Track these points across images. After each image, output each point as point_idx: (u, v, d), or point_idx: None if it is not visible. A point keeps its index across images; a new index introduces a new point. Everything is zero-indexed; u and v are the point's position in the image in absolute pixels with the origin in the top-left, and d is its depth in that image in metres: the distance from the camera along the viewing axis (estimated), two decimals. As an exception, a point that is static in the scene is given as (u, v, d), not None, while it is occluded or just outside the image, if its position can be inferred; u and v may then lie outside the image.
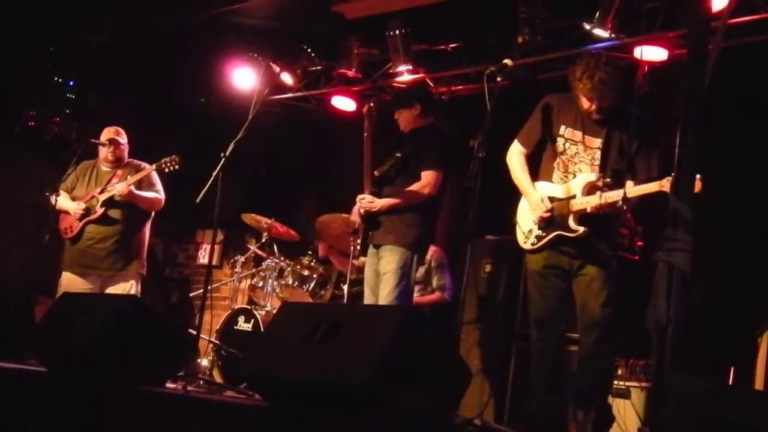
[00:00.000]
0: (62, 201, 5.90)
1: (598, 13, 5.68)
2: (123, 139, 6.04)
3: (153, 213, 6.04)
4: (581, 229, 4.26)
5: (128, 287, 5.79)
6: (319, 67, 7.43)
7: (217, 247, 7.72)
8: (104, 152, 6.02)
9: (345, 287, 6.14)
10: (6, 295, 6.11)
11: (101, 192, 5.86)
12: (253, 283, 6.95)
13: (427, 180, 4.94)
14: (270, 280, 6.65)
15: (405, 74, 6.81)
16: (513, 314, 5.60)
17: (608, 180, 4.24)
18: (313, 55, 7.28)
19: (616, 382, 4.97)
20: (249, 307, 6.59)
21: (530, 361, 4.50)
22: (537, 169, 4.53)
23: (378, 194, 5.02)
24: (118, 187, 5.77)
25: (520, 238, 4.51)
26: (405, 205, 4.94)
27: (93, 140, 6.03)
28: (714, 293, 4.78)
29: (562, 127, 4.41)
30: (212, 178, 4.63)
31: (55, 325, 3.95)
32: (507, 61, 4.23)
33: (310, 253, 6.74)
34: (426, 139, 5.08)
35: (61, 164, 6.24)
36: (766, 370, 4.42)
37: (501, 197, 4.68)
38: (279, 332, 3.24)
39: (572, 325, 4.67)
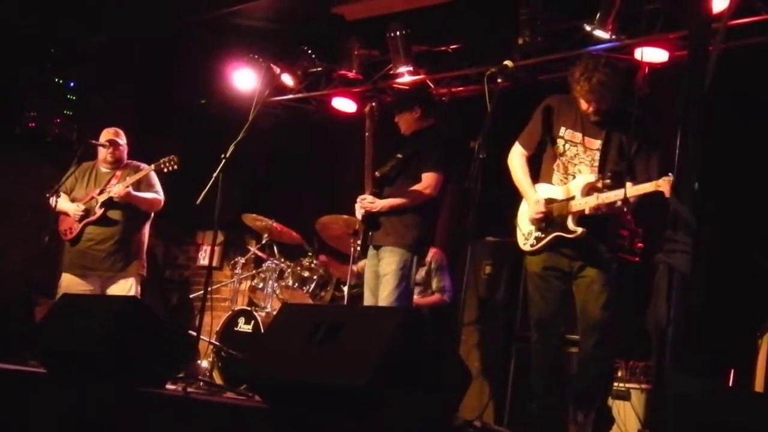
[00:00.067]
0: (62, 202, 5.89)
1: (598, 15, 5.68)
2: (122, 140, 6.04)
3: (152, 214, 6.03)
4: (579, 229, 4.26)
5: (128, 287, 5.79)
6: (319, 69, 7.43)
7: (217, 249, 7.73)
8: (103, 153, 6.02)
9: (345, 288, 6.15)
10: (6, 295, 6.11)
11: (100, 193, 5.86)
12: (253, 284, 6.95)
13: (427, 181, 4.94)
14: (270, 282, 6.65)
15: (405, 75, 6.81)
16: (513, 316, 5.61)
17: (608, 181, 4.24)
18: (313, 56, 7.28)
19: (616, 384, 4.96)
20: (249, 309, 6.59)
21: (530, 363, 4.50)
22: (538, 171, 4.54)
23: (379, 195, 5.02)
24: (116, 189, 5.77)
25: (520, 240, 4.52)
26: (405, 206, 4.93)
27: (92, 141, 6.03)
28: (714, 295, 4.77)
29: (562, 129, 4.41)
30: (212, 179, 4.63)
31: (55, 326, 3.95)
32: (508, 62, 4.23)
33: (310, 254, 6.74)
34: (427, 140, 5.08)
35: (62, 165, 6.24)
36: (767, 372, 4.42)
37: (501, 199, 4.68)
38: (279, 334, 3.24)
39: (572, 326, 4.67)
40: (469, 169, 3.94)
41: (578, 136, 4.38)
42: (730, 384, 4.64)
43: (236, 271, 7.06)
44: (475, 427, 3.25)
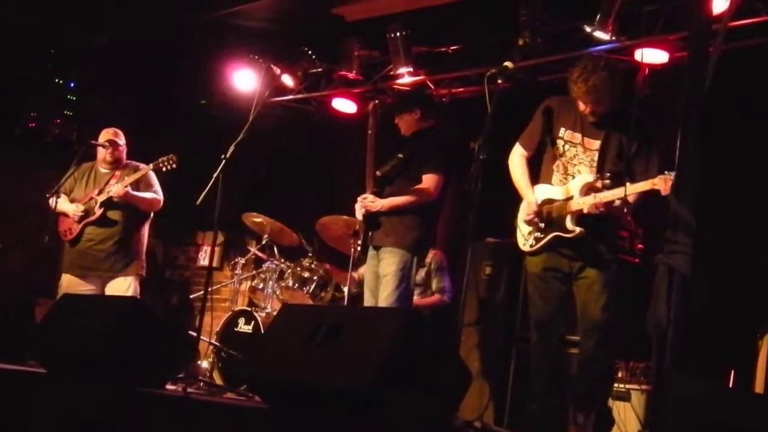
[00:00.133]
0: (61, 203, 5.90)
1: (598, 16, 5.68)
2: (121, 140, 6.04)
3: (152, 214, 6.04)
4: (578, 229, 4.27)
5: (126, 286, 5.79)
6: (319, 69, 7.43)
7: (217, 249, 7.72)
8: (102, 153, 6.02)
9: (345, 289, 6.15)
10: (6, 296, 6.10)
11: (99, 193, 5.86)
12: (253, 284, 6.95)
13: (428, 183, 4.94)
14: (270, 282, 6.65)
15: (406, 76, 6.81)
16: (513, 317, 5.61)
17: (607, 181, 4.25)
18: (313, 57, 7.28)
19: (616, 385, 4.96)
20: (249, 309, 6.59)
21: (530, 364, 4.50)
22: (539, 171, 4.54)
23: (380, 194, 5.02)
24: (115, 189, 5.77)
25: (520, 241, 4.52)
26: (406, 206, 4.93)
27: (92, 141, 6.03)
28: (714, 295, 4.76)
29: (562, 129, 4.42)
30: (213, 179, 4.63)
31: (55, 327, 3.95)
32: (508, 63, 4.23)
33: (310, 255, 6.73)
34: (427, 141, 5.08)
35: (62, 166, 6.24)
36: (767, 372, 4.42)
37: (502, 200, 4.69)
38: (279, 334, 3.24)
39: (572, 327, 4.67)
40: (470, 170, 3.94)
41: (578, 137, 4.39)
42: (730, 385, 4.64)
43: (236, 272, 7.06)
44: (475, 427, 3.25)
